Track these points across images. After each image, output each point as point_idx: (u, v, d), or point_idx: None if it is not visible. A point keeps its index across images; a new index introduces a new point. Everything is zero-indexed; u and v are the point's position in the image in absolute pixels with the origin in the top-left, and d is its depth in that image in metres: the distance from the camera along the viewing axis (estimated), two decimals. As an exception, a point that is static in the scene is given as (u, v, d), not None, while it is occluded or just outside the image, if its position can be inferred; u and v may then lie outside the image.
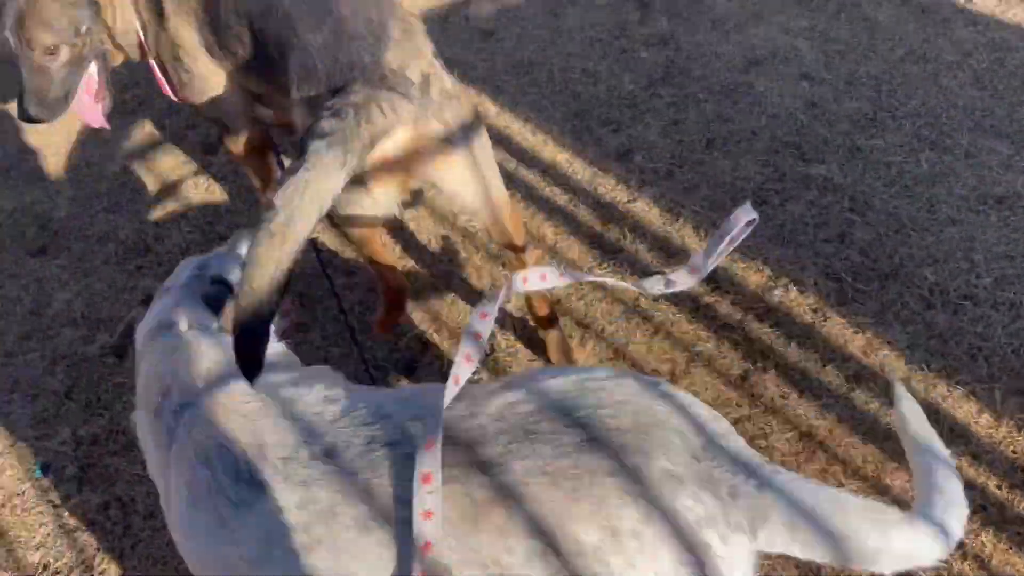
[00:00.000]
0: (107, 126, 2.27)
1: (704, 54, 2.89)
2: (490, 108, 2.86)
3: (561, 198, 2.58)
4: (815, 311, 2.20)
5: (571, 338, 2.20)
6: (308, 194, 1.51)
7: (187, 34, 2.23)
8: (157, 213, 2.74)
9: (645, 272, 2.34)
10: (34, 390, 2.35)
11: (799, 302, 2.22)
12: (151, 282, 2.54)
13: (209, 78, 2.30)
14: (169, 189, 2.82)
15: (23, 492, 2.15)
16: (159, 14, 2.23)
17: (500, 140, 2.76)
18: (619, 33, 3.03)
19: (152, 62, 2.31)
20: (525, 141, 2.75)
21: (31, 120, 2.18)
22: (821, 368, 2.08)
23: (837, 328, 2.16)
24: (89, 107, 2.23)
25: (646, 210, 2.50)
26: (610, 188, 2.58)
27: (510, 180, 2.63)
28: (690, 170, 2.58)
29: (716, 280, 2.28)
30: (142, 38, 2.26)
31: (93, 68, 2.24)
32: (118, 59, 2.29)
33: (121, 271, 2.59)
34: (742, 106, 2.72)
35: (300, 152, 1.56)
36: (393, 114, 1.65)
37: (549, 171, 2.66)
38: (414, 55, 1.77)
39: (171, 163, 2.91)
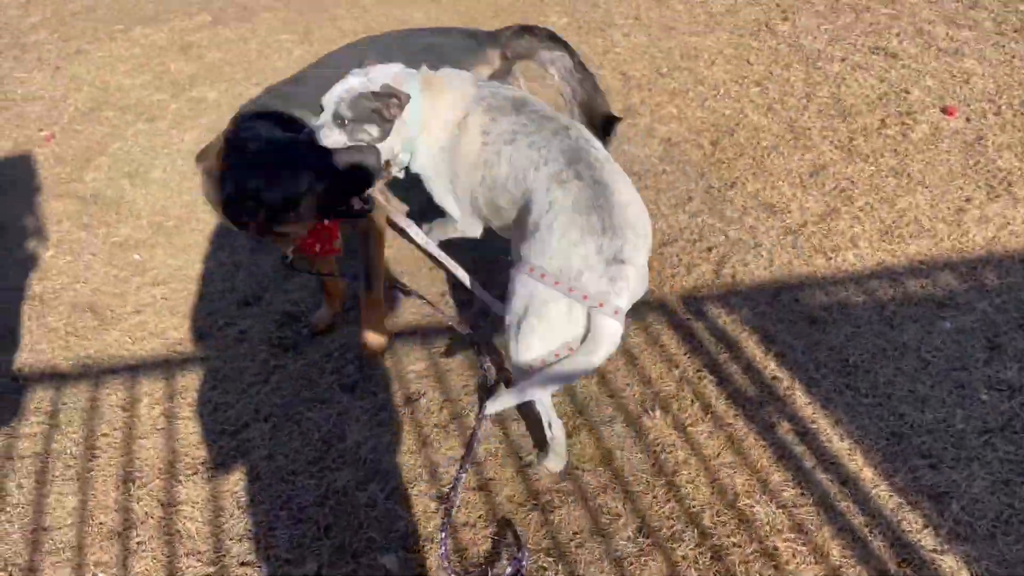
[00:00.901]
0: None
1: (1057, 419, 2.62)
2: (800, 398, 2.77)
3: (857, 518, 2.37)
4: None
5: None
6: None
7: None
8: (464, 390, 2.91)
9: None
10: (300, 515, 2.50)
11: None
12: (441, 456, 2.66)
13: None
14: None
15: (258, 609, 2.25)
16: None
17: (804, 433, 2.64)
18: (959, 365, 2.84)
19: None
20: (829, 443, 2.61)
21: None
22: None
23: None
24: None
25: (955, 568, 2.22)
26: (916, 528, 2.33)
27: (805, 480, 2.49)
28: (1017, 541, 2.27)
29: None
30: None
31: None
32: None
33: (414, 432, 2.74)
34: (1096, 491, 2.39)
35: None
36: None
37: (849, 483, 2.48)
38: None
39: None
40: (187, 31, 5.87)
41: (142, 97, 5.07)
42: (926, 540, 2.30)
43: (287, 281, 3.46)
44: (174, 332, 3.24)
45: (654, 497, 2.49)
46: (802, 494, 2.46)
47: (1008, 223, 3.45)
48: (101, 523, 2.52)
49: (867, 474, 2.50)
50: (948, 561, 2.24)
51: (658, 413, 2.75)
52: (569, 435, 2.66)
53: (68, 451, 2.77)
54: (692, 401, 2.80)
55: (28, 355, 3.18)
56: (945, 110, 4.25)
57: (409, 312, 3.25)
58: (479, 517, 2.47)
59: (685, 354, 3.00)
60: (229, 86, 5.12)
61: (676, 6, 5.70)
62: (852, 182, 3.79)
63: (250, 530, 2.47)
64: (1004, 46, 4.81)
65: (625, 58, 5.14)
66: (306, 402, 2.88)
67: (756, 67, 4.85)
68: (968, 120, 4.18)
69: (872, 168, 3.88)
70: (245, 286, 3.45)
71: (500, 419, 2.77)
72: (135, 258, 3.68)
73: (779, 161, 4.00)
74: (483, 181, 2.42)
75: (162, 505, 2.56)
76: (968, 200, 3.61)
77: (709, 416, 2.74)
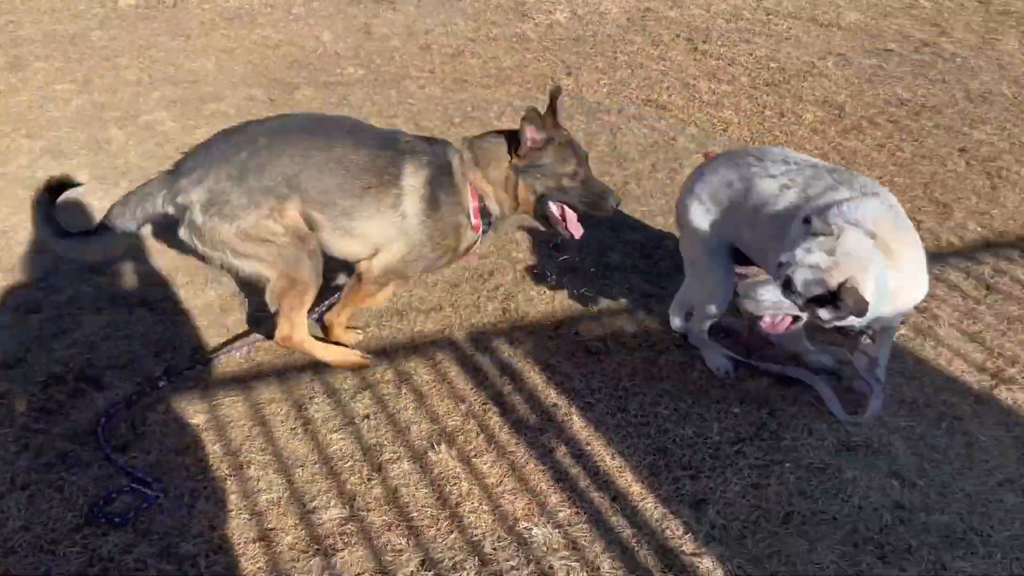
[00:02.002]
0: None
1: (798, 426, 2.92)
2: (577, 422, 2.92)
3: (626, 531, 2.52)
4: None
5: None
6: None
7: None
8: (231, 453, 2.83)
9: (697, 637, 2.20)
10: (62, 585, 2.33)
11: None
12: (207, 511, 2.56)
13: None
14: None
15: None
16: None
17: (579, 455, 2.78)
18: (718, 383, 3.11)
19: None
20: (602, 463, 2.76)
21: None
22: None
23: None
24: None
25: (711, 568, 2.40)
26: (678, 535, 2.51)
27: (579, 500, 2.62)
28: (763, 540, 2.49)
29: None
30: None
31: None
32: None
33: (181, 489, 2.64)
34: (827, 488, 2.67)
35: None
36: None
37: (619, 499, 2.63)
38: None
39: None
40: (-51, 80, 5.44)
41: None
42: (687, 545, 2.48)
43: (55, 340, 3.25)
44: (-82, 401, 2.95)
45: (438, 530, 2.53)
46: (577, 513, 2.58)
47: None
48: None
49: (635, 488, 2.67)
50: (705, 563, 2.42)
51: (443, 447, 2.81)
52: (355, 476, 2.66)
53: None
54: (477, 433, 2.89)
55: None
56: (706, 156, 4.68)
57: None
58: (259, 569, 2.40)
59: (472, 389, 3.09)
60: (-4, 137, 4.78)
61: (470, 61, 5.95)
62: (626, 223, 4.09)
63: (1, 609, 2.27)
64: (757, 98, 5.40)
65: (419, 109, 5.29)
66: (70, 466, 2.70)
67: (542, 117, 5.14)
68: (726, 164, 4.63)
69: (644, 209, 4.21)
70: (7, 346, 3.20)
71: (284, 467, 2.72)
72: None
73: (561, 204, 4.24)
74: None
75: None
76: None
77: (493, 446, 2.83)
